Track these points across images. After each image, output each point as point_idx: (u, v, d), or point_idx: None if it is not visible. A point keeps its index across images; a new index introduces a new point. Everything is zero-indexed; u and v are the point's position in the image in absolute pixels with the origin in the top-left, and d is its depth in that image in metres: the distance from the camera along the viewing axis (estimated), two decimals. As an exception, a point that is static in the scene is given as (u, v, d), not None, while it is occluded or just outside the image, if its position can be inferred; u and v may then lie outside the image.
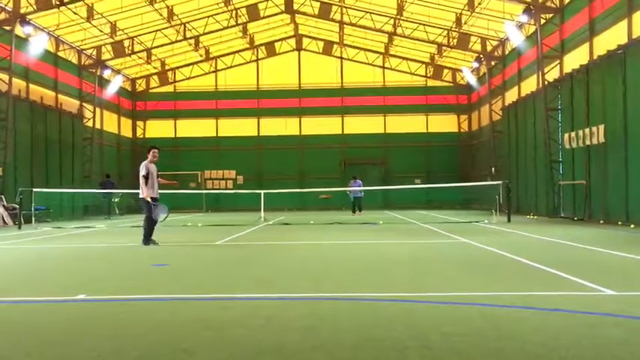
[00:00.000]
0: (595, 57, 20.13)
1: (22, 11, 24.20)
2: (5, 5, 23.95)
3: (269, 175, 38.14)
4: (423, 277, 7.66)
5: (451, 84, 39.18)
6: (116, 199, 30.77)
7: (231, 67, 39.71)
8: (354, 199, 27.93)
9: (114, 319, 5.19)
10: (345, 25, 34.48)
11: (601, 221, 19.08)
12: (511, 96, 30.20)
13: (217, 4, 31.08)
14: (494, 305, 5.51)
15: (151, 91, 40.27)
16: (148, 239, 12.50)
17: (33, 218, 21.08)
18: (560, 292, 6.23)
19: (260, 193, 23.79)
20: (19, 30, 24.79)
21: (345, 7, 32.28)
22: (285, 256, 10.60)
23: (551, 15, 24.10)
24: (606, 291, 6.23)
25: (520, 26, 26.88)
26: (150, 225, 12.58)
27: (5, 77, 23.64)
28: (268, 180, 37.11)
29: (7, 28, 23.93)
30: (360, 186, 27.89)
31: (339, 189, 28.79)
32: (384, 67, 39.25)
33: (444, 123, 39.49)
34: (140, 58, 35.30)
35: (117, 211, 30.67)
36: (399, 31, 32.99)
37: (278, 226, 19.65)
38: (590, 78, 20.48)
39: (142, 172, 12.62)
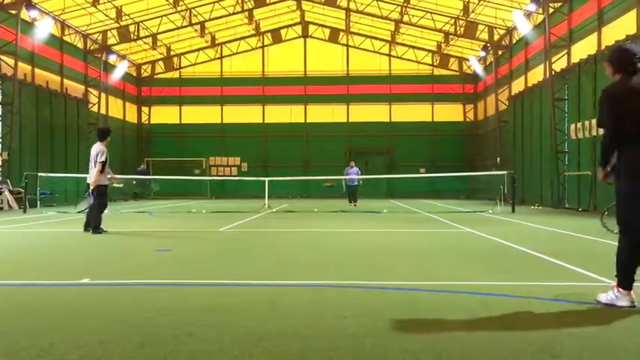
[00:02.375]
0: (603, 47, 19.98)
1: (28, -5, 24.17)
2: (11, -11, 23.93)
3: (274, 163, 38.15)
4: (426, 265, 7.66)
5: (457, 73, 39.02)
6: (119, 185, 30.86)
7: (236, 53, 39.64)
8: (350, 187, 25.15)
9: (117, 304, 5.21)
10: (351, 13, 34.31)
11: (605, 212, 18.99)
12: (517, 86, 30.04)
13: (223, -11, 31.04)
14: (496, 294, 5.51)
15: (156, 76, 40.25)
16: (98, 228, 11.90)
17: (38, 202, 21.17)
18: (563, 283, 6.23)
19: (264, 181, 23.79)
20: (25, 14, 24.76)
21: (352, -6, 32.18)
22: (289, 243, 10.61)
23: (559, 4, 23.90)
24: (610, 282, 6.20)
25: (528, 15, 26.69)
26: (100, 212, 12.07)
27: (11, 61, 23.65)
28: (273, 167, 37.12)
29: (13, 11, 23.90)
30: (357, 173, 25.29)
31: (343, 177, 28.75)
32: (390, 56, 39.09)
33: (450, 112, 39.38)
34: (146, 43, 35.25)
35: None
36: (405, 18, 32.82)
37: (282, 214, 19.66)
38: (597, 68, 20.32)
39: (103, 157, 12.12)
